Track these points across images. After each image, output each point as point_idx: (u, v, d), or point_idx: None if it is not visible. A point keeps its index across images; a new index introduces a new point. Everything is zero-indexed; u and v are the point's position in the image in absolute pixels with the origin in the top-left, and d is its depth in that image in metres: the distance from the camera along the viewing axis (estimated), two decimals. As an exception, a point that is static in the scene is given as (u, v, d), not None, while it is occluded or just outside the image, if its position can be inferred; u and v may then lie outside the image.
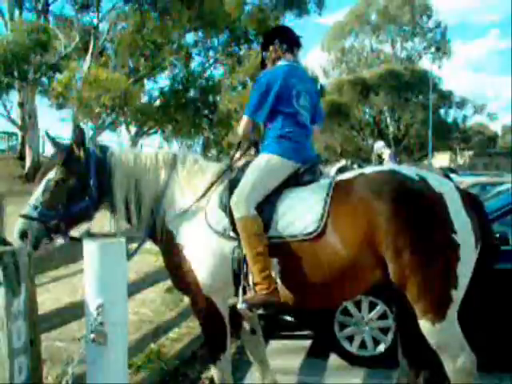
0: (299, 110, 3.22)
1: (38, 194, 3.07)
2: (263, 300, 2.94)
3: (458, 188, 2.99)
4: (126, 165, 3.17)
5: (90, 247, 2.19)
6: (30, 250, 2.93)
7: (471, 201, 2.97)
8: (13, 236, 3.03)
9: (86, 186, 3.10)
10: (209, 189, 3.12)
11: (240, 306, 3.00)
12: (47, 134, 3.27)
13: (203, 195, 3.11)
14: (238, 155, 3.33)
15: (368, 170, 3.12)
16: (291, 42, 3.39)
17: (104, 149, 3.23)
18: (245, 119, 3.24)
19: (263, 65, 3.46)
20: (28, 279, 2.28)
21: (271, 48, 3.36)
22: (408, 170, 3.02)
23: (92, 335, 2.10)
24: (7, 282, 2.14)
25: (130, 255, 3.15)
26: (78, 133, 3.14)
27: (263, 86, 3.17)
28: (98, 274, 2.16)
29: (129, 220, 3.22)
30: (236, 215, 2.97)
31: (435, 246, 2.78)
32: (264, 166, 3.10)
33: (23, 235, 3.02)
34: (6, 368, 2.14)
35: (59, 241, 3.14)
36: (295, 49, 3.40)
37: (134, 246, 3.22)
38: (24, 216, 3.05)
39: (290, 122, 3.19)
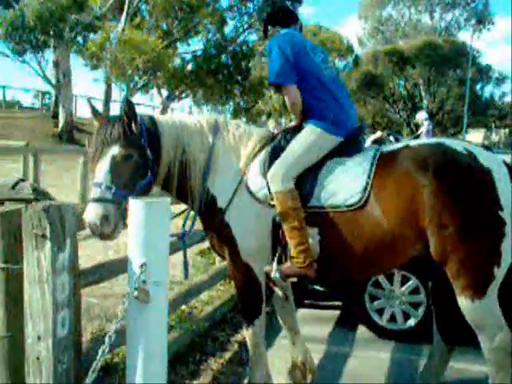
0: (320, 64, 3.12)
1: (104, 172, 2.74)
2: (297, 273, 2.94)
3: (506, 164, 2.90)
4: (173, 133, 3.02)
5: (135, 205, 2.18)
6: (114, 235, 2.73)
7: None
8: (88, 223, 2.68)
9: (146, 160, 2.86)
10: (254, 156, 3.07)
11: (274, 274, 3.00)
12: (90, 103, 2.96)
13: (247, 162, 3.06)
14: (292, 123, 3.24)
15: (414, 142, 3.03)
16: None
17: (152, 118, 3.02)
18: (289, 88, 3.06)
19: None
20: (72, 234, 2.30)
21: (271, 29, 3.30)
22: (455, 143, 2.93)
23: (135, 293, 2.12)
24: (53, 236, 2.16)
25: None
26: (129, 105, 2.83)
27: (284, 48, 3.02)
28: (143, 232, 2.16)
29: (180, 191, 3.09)
30: (272, 189, 2.92)
31: (481, 222, 2.72)
32: (307, 142, 3.00)
33: (105, 221, 2.68)
34: (50, 321, 2.19)
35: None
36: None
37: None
38: (100, 200, 2.69)
39: (325, 89, 3.07)
